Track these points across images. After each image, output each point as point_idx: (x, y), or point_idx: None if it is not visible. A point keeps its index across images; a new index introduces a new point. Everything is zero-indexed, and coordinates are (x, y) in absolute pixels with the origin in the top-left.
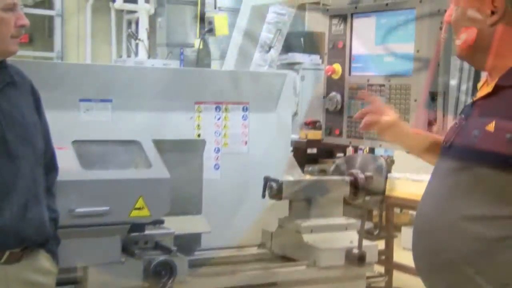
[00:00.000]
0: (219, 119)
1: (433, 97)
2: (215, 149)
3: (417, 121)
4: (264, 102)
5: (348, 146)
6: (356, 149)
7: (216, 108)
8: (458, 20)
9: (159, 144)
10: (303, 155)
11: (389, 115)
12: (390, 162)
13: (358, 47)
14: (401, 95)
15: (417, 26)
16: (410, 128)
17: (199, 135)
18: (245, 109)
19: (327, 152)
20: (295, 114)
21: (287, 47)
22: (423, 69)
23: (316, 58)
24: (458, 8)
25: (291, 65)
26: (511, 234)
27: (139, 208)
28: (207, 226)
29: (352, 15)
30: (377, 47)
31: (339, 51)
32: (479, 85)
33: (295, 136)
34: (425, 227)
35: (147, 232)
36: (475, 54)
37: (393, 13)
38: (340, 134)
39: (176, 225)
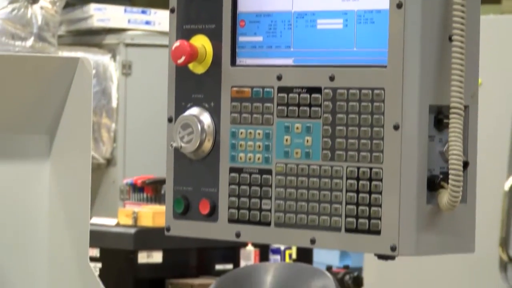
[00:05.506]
0: None
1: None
2: None
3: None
4: (16, 139)
5: (241, 245)
6: (265, 250)
7: None
8: None
9: None
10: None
11: None
12: (353, 283)
13: None
14: (361, 114)
15: None
16: None
17: None
18: None
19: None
20: (108, 163)
21: None
22: (414, 51)
23: (162, 17)
24: None
25: (95, 36)
26: None
27: None
28: None
29: None
30: None
31: (205, 3)
32: None
33: (107, 222)
34: None
35: None
36: None
37: None
38: (213, 214)
39: None
